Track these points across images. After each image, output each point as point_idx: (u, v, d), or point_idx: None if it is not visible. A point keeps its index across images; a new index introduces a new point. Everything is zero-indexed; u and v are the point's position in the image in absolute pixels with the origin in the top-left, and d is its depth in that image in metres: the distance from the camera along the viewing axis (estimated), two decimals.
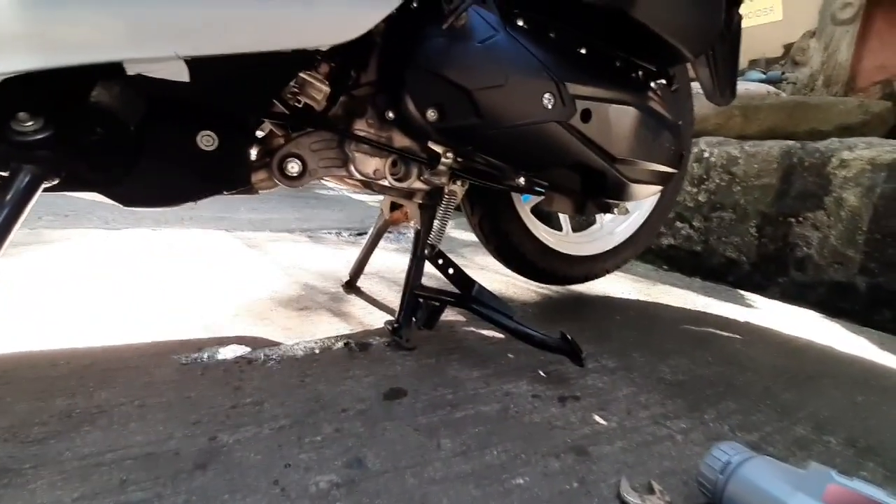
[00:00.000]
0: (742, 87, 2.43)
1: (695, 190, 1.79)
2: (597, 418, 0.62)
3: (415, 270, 0.77)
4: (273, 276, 1.05)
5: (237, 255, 1.20)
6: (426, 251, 0.78)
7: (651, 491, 0.47)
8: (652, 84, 0.83)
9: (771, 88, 2.39)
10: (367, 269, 1.04)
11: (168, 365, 0.63)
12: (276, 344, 0.72)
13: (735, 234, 1.66)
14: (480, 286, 0.78)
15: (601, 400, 0.67)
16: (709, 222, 1.74)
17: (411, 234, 0.80)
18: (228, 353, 0.68)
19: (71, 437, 0.47)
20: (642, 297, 1.24)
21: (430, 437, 0.53)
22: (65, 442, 0.46)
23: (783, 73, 2.47)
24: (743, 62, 2.64)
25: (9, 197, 0.45)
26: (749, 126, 2.01)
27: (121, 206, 0.55)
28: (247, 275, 1.04)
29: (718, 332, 1.03)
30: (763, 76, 2.53)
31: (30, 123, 0.44)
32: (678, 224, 1.82)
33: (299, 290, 0.98)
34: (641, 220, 1.17)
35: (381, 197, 0.93)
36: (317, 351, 0.72)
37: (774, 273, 1.55)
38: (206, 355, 0.67)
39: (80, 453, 0.45)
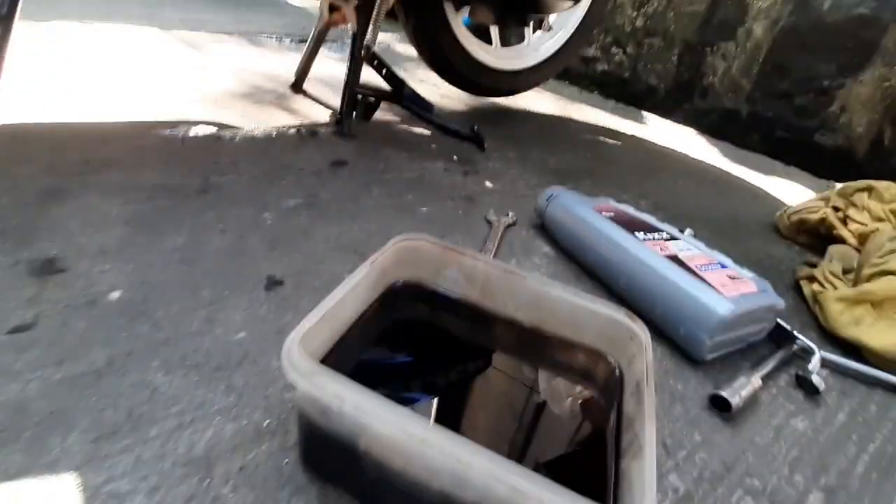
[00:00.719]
0: None
1: (634, 14, 1.86)
2: (487, 184, 0.86)
3: (352, 70, 0.90)
4: (222, 75, 1.13)
5: (180, 54, 1.23)
6: (362, 52, 0.90)
7: (506, 215, 0.74)
8: None
9: None
10: (311, 75, 1.14)
11: (152, 136, 0.78)
12: (238, 127, 0.88)
13: (659, 61, 1.80)
14: (410, 86, 0.93)
15: (494, 175, 0.91)
16: (640, 48, 1.86)
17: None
18: (200, 130, 0.83)
19: (96, 174, 0.64)
20: (557, 113, 1.43)
21: (365, 186, 0.76)
22: (93, 177, 0.64)
23: None
24: None
25: None
26: None
27: None
28: (196, 73, 1.12)
29: (607, 139, 1.28)
30: None
31: None
32: (613, 49, 1.93)
33: (249, 87, 1.09)
34: (564, 40, 1.29)
35: (317, 2, 0.99)
36: (273, 134, 0.88)
37: (682, 100, 1.76)
38: (180, 132, 0.82)
39: (109, 182, 0.63)
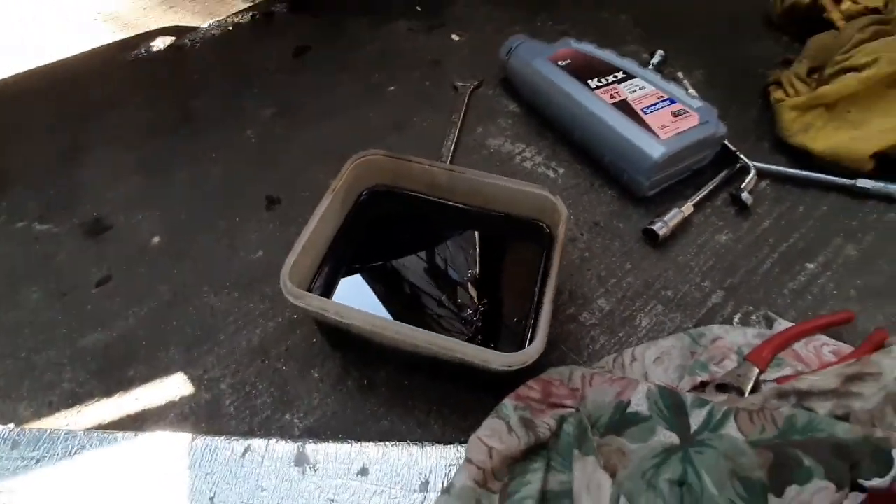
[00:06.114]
0: None
1: None
2: (453, 37, 0.84)
3: None
4: None
5: None
6: None
7: (474, 77, 0.75)
8: None
9: None
10: None
11: (123, 63, 0.80)
12: (195, 28, 0.86)
13: None
14: None
15: (462, 23, 0.86)
16: None
17: None
18: (160, 44, 0.84)
19: (98, 119, 0.70)
20: None
21: (331, 76, 0.77)
22: (94, 122, 0.70)
23: None
24: None
25: None
26: None
27: None
28: None
29: None
30: None
31: None
32: None
33: None
34: None
35: None
36: (230, 28, 0.86)
37: None
38: (143, 50, 0.83)
39: (110, 127, 0.69)
